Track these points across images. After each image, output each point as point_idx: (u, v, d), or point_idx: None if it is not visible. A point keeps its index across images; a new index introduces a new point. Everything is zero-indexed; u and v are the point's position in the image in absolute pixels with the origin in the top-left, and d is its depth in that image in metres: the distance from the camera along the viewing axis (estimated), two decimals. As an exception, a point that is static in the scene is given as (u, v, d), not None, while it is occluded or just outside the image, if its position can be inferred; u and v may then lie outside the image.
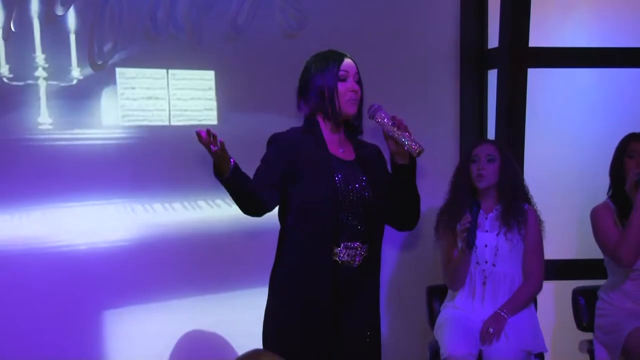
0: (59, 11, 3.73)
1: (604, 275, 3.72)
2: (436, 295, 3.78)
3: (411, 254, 4.12)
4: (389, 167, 2.96)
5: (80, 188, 3.77)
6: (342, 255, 2.83)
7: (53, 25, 3.73)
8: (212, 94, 3.90)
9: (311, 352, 2.81)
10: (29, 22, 3.71)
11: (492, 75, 4.09)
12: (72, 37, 3.75)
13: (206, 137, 2.56)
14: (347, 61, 2.89)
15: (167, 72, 3.84)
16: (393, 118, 2.83)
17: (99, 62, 3.78)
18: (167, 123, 3.86)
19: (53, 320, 3.75)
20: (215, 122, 3.88)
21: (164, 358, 3.87)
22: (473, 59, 4.15)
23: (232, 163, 2.65)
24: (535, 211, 3.59)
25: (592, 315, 3.73)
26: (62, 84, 3.75)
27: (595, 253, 3.72)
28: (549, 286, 3.91)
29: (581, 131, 4.13)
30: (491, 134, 4.04)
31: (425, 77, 4.12)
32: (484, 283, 3.52)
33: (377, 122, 2.83)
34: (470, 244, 3.30)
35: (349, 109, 2.87)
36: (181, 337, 3.89)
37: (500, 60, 3.97)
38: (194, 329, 3.91)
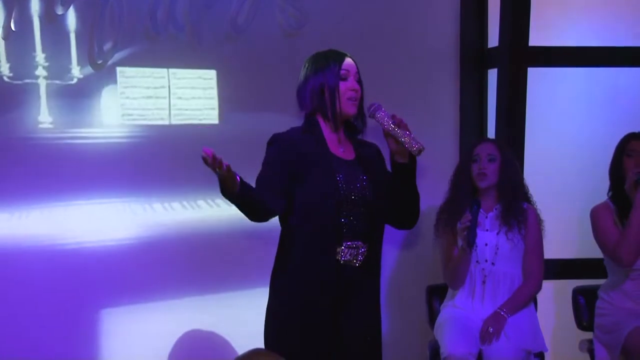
0: (59, 10, 3.73)
1: (604, 275, 3.72)
2: (436, 295, 3.78)
3: (411, 253, 4.12)
4: (388, 166, 2.96)
5: (80, 187, 3.76)
6: (344, 254, 2.82)
7: (53, 24, 3.73)
8: (212, 93, 3.90)
9: (311, 352, 2.81)
10: (29, 21, 3.71)
11: (492, 75, 4.08)
12: (72, 36, 3.75)
13: (212, 162, 2.52)
14: (348, 60, 2.89)
15: (168, 71, 3.84)
16: (393, 117, 2.83)
17: (99, 61, 3.78)
18: (167, 122, 3.86)
19: (53, 319, 3.75)
20: (215, 122, 3.89)
21: (164, 358, 3.86)
22: (473, 58, 4.15)
23: (237, 180, 2.61)
24: (535, 210, 3.59)
25: (592, 315, 3.72)
26: (63, 83, 3.75)
27: (595, 253, 3.71)
28: (548, 286, 3.91)
29: (581, 131, 4.13)
30: (491, 134, 4.04)
31: (425, 76, 4.11)
32: (484, 282, 3.52)
33: (377, 120, 2.83)
34: (470, 242, 3.30)
35: (349, 109, 2.87)
36: (181, 337, 3.88)
37: (500, 59, 3.97)
38: (194, 328, 3.90)
